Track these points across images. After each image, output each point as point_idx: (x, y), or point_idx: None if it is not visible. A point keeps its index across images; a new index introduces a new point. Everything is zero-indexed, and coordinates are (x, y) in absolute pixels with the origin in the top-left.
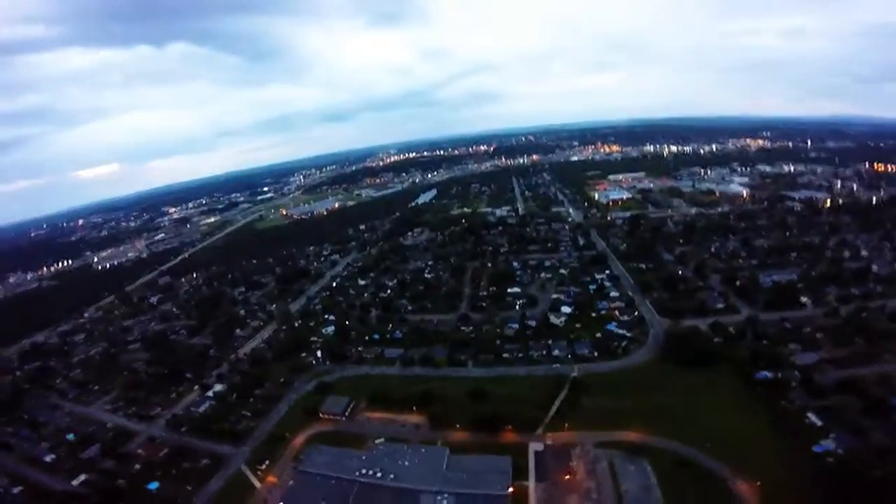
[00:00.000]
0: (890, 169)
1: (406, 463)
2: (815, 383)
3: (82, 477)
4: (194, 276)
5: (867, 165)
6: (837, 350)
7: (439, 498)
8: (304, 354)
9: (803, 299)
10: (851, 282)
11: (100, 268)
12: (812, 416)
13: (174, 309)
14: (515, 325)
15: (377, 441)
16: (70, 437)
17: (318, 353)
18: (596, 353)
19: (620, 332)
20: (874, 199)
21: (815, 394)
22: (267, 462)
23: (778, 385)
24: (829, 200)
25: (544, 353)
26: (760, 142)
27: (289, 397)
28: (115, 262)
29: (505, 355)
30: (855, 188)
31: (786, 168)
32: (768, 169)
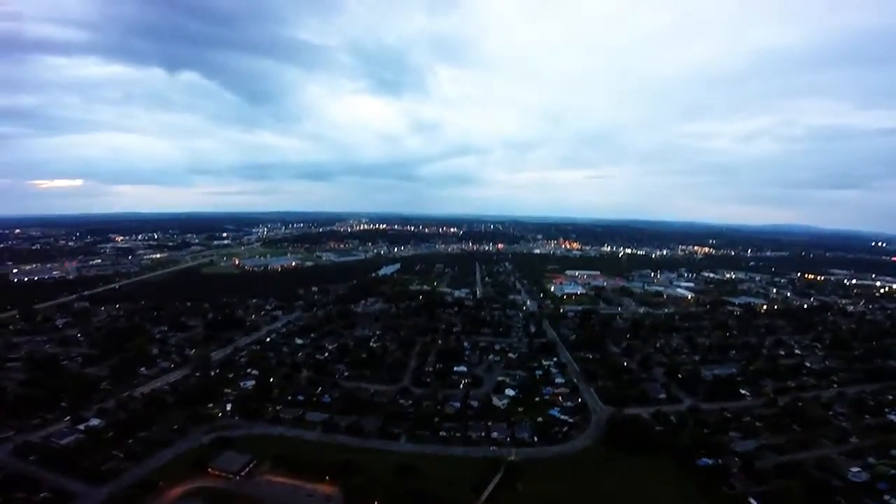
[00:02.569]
0: (818, 278)
1: None
2: (755, 469)
3: None
4: (116, 306)
5: (799, 275)
6: (776, 437)
7: None
8: (210, 405)
9: (742, 391)
10: (787, 375)
11: (15, 280)
12: (753, 502)
13: (79, 335)
14: (457, 404)
15: None
16: None
17: (228, 407)
18: (536, 438)
19: (563, 417)
20: (805, 305)
21: (756, 479)
22: None
23: (719, 471)
24: (765, 306)
25: (483, 434)
26: (706, 249)
27: (178, 446)
28: (35, 278)
29: (442, 433)
30: (789, 295)
31: (727, 275)
32: (712, 275)
